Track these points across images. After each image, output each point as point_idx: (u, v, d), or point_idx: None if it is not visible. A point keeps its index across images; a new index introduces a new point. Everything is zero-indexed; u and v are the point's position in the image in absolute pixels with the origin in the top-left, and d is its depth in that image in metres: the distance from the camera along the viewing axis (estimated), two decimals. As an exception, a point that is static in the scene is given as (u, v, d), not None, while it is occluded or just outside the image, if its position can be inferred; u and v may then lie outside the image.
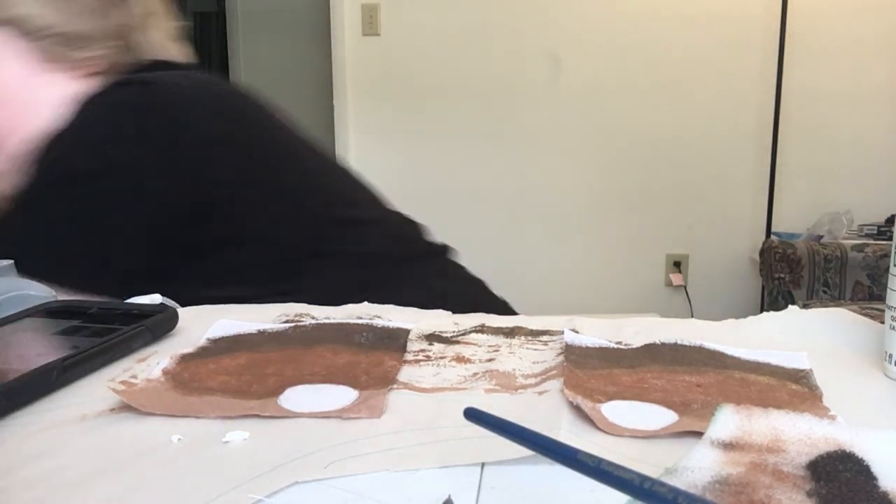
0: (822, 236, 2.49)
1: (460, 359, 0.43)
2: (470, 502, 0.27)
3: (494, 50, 2.87)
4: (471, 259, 0.85)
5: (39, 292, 0.52)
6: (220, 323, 0.48)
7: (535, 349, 0.45)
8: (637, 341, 0.46)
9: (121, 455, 0.30)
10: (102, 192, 0.64)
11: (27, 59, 0.69)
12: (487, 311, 0.55)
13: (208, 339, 0.45)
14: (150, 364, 0.41)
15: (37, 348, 0.41)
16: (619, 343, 0.46)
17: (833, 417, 0.34)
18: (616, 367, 0.41)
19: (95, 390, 0.37)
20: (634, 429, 0.33)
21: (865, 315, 0.55)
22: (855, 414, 0.35)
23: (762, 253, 2.47)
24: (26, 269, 0.55)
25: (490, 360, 0.43)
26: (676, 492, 0.21)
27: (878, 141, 2.70)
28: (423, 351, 0.45)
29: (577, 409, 0.35)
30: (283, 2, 3.95)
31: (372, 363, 0.41)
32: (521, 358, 0.44)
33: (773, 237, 2.63)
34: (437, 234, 0.81)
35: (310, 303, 0.56)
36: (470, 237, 2.54)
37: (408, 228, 0.81)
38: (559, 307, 2.76)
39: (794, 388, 0.38)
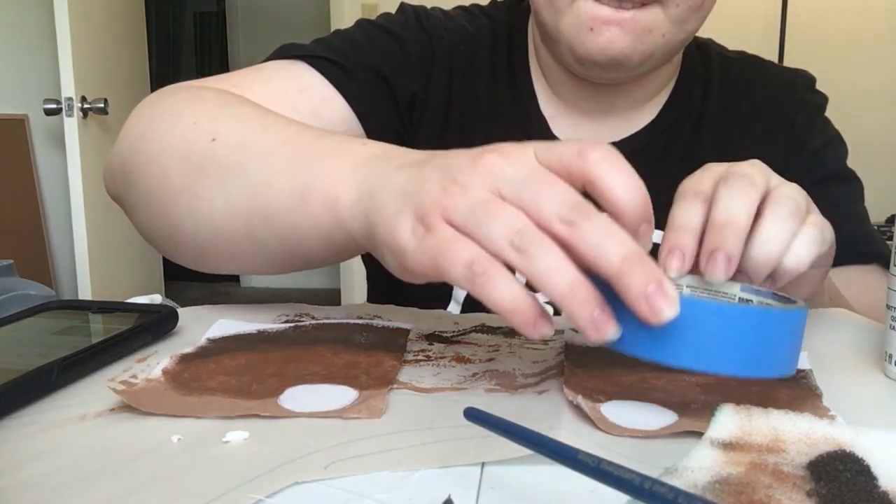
0: (822, 236, 2.49)
1: (460, 359, 0.43)
2: (470, 502, 0.27)
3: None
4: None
5: (39, 292, 0.52)
6: (219, 323, 0.48)
7: (535, 348, 0.45)
8: (637, 341, 0.46)
9: (121, 455, 0.30)
10: None
11: None
12: None
13: (208, 339, 0.45)
14: (150, 364, 0.41)
15: (37, 348, 0.41)
16: (619, 343, 0.46)
17: (833, 417, 0.34)
18: (616, 366, 0.41)
19: (95, 390, 0.37)
20: (634, 429, 0.33)
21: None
22: (855, 414, 0.35)
23: (762, 253, 2.47)
24: None
25: (490, 359, 0.43)
26: (676, 492, 0.21)
27: (878, 141, 2.70)
28: (423, 351, 0.45)
29: (577, 409, 0.35)
30: (283, 2, 3.95)
31: (372, 363, 0.41)
32: (521, 357, 0.44)
33: (773, 237, 2.62)
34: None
35: None
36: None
37: None
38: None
39: (794, 389, 0.38)
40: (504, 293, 0.31)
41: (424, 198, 0.34)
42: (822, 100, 0.72)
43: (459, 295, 0.63)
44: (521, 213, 0.31)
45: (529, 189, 0.32)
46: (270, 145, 0.45)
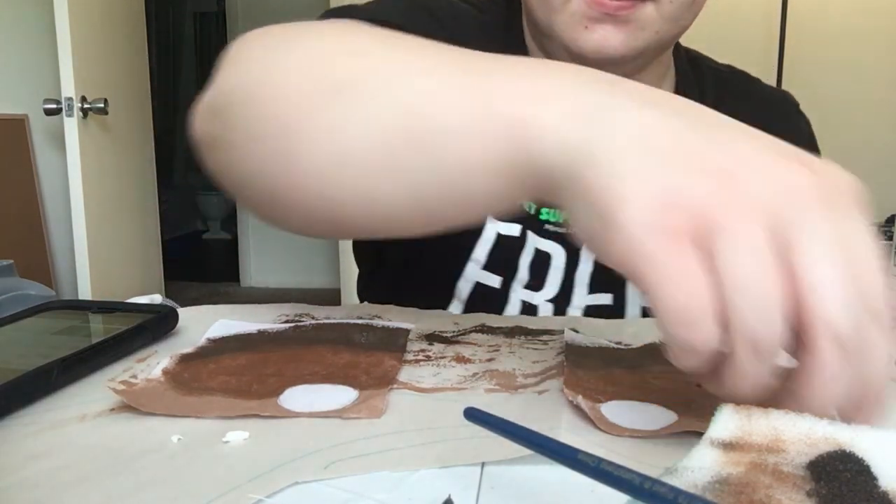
0: (822, 236, 2.48)
1: (460, 359, 0.43)
2: (470, 502, 0.27)
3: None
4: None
5: (39, 292, 0.52)
6: (220, 323, 0.48)
7: (535, 348, 0.45)
8: (637, 342, 0.46)
9: (121, 455, 0.30)
10: None
11: None
12: None
13: (208, 339, 0.45)
14: (150, 364, 0.41)
15: (37, 348, 0.41)
16: (619, 343, 0.46)
17: (833, 417, 0.34)
18: (616, 366, 0.41)
19: (95, 390, 0.37)
20: (634, 429, 0.33)
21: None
22: (855, 414, 0.35)
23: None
24: None
25: (490, 359, 0.43)
26: (676, 492, 0.21)
27: (878, 141, 2.70)
28: (423, 351, 0.45)
29: (577, 409, 0.35)
30: (283, 2, 3.95)
31: (372, 363, 0.41)
32: (521, 357, 0.44)
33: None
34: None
35: None
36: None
37: None
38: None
39: (794, 388, 0.38)
40: (749, 388, 0.26)
41: (686, 178, 0.25)
42: (809, 125, 0.72)
43: (463, 292, 0.63)
44: (787, 297, 0.24)
45: (835, 261, 0.24)
46: (431, 60, 0.37)
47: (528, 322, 0.52)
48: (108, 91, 2.27)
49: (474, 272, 0.62)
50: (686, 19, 0.59)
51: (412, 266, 0.66)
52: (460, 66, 0.35)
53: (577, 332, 0.48)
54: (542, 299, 0.62)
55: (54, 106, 2.19)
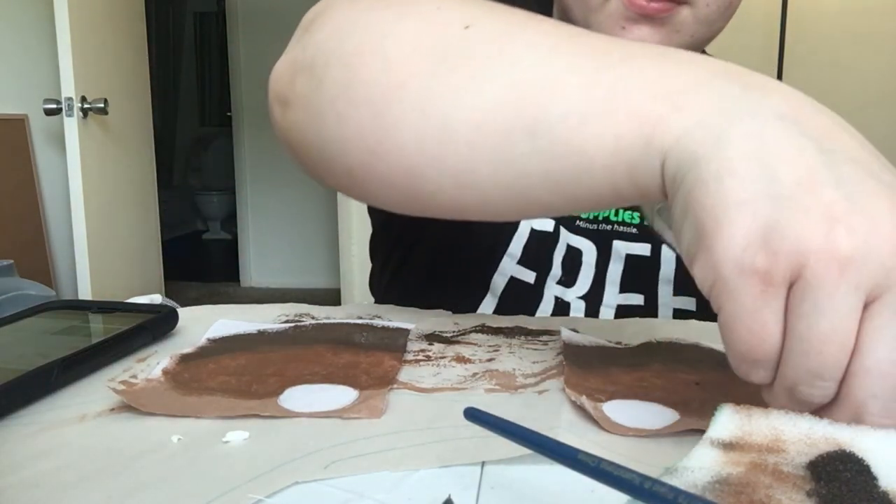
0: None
1: (460, 359, 0.43)
2: (470, 502, 0.27)
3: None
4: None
5: (39, 292, 0.52)
6: (220, 323, 0.48)
7: (535, 349, 0.45)
8: (636, 341, 0.46)
9: (121, 455, 0.30)
10: None
11: None
12: None
13: (208, 339, 0.45)
14: (150, 364, 0.41)
15: (37, 348, 0.41)
16: (619, 343, 0.46)
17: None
18: (615, 366, 0.41)
19: (95, 390, 0.37)
20: (637, 428, 0.33)
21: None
22: (855, 414, 0.35)
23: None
24: None
25: (490, 359, 0.43)
26: (676, 492, 0.21)
27: (878, 141, 2.69)
28: (423, 351, 0.45)
29: (577, 409, 0.35)
30: (283, 2, 3.95)
31: (372, 363, 0.41)
32: (521, 357, 0.44)
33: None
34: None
35: None
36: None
37: None
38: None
39: (794, 388, 0.38)
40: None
41: (793, 217, 0.24)
42: None
43: (498, 287, 0.62)
44: (844, 361, 0.25)
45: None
46: (549, 38, 0.34)
47: (528, 322, 0.52)
48: (108, 91, 2.27)
49: (510, 266, 0.61)
50: (720, 23, 0.59)
51: (447, 260, 0.65)
52: (581, 47, 0.33)
53: (576, 331, 0.48)
54: (573, 296, 0.62)
55: (54, 106, 2.19)
